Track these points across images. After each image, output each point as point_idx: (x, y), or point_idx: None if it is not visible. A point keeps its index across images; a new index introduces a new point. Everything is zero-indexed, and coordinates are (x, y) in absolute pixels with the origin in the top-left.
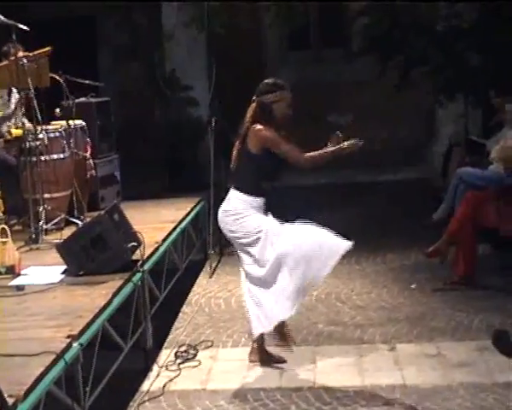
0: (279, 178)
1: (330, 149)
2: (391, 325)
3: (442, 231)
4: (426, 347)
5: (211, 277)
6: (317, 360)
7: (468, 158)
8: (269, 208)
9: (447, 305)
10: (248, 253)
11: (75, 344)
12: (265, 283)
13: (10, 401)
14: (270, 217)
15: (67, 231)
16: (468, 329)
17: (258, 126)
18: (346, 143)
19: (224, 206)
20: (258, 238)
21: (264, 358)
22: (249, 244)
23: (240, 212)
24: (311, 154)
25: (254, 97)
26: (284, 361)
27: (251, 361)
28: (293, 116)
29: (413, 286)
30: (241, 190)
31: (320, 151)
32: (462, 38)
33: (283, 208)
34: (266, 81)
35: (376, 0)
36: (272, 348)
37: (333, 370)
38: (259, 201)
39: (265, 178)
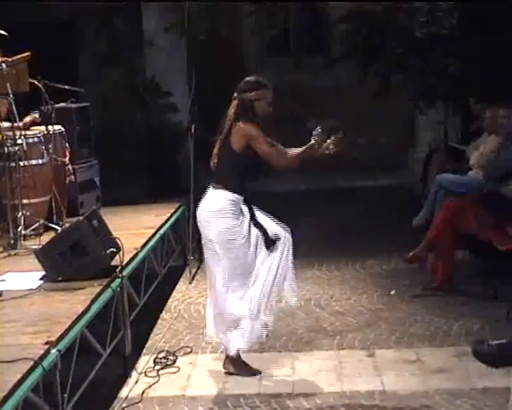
0: (259, 177)
1: (309, 144)
2: (370, 331)
3: (421, 237)
4: (405, 352)
5: (190, 283)
6: (297, 366)
7: (448, 164)
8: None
9: (426, 311)
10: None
11: (53, 351)
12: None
13: None
14: (247, 220)
15: (46, 237)
16: (447, 335)
17: (242, 124)
18: (328, 141)
19: (203, 203)
20: (230, 241)
21: (241, 367)
22: (219, 243)
23: (221, 210)
24: (288, 155)
25: (235, 95)
26: (260, 372)
27: (226, 370)
28: (273, 121)
29: (392, 292)
30: (223, 188)
31: (298, 151)
32: (441, 44)
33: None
34: (248, 79)
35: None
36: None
37: (312, 376)
38: (240, 198)
39: (247, 176)
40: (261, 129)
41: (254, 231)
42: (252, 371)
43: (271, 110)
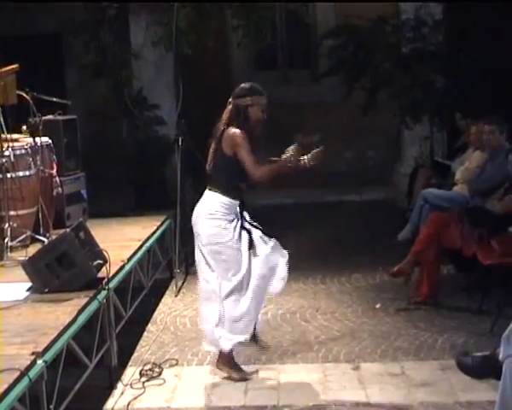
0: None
1: (282, 160)
2: (355, 344)
3: (407, 252)
4: (390, 366)
5: (176, 295)
6: (282, 378)
7: (434, 179)
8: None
9: (411, 324)
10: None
11: (39, 361)
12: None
13: None
14: (239, 225)
15: (33, 249)
16: (432, 348)
17: (233, 130)
18: (306, 156)
19: (198, 206)
20: (219, 244)
21: (233, 367)
22: (209, 245)
23: (213, 213)
24: (265, 169)
25: (230, 100)
26: (248, 378)
27: (218, 368)
28: (261, 134)
29: (377, 306)
30: (217, 191)
31: (275, 166)
32: (427, 60)
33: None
34: (243, 85)
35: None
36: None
37: (297, 388)
38: (235, 202)
39: (240, 180)
40: (253, 136)
41: (245, 235)
42: (242, 375)
43: (265, 117)
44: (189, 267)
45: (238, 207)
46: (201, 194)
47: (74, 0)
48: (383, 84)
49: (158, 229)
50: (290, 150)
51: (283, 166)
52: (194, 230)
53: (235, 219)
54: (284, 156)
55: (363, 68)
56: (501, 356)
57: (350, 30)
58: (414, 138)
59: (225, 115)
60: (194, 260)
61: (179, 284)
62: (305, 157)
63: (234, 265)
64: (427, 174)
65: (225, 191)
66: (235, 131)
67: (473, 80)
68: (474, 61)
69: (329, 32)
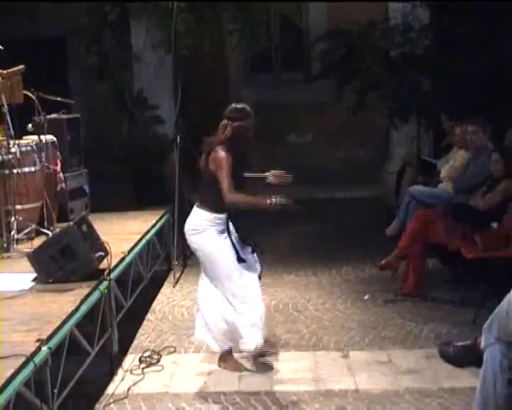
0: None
1: (257, 200)
2: (344, 333)
3: (394, 246)
4: (377, 354)
5: (174, 286)
6: (275, 365)
7: (421, 177)
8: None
9: (398, 315)
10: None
11: (44, 348)
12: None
13: None
14: (228, 242)
15: (38, 241)
16: (418, 337)
17: (220, 151)
18: (274, 199)
19: (187, 222)
20: (213, 253)
21: (233, 363)
22: (205, 256)
23: (198, 228)
24: (239, 196)
25: (226, 121)
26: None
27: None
28: (255, 136)
29: (366, 297)
30: (204, 208)
31: (249, 198)
32: (414, 64)
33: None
34: (237, 106)
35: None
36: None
37: (289, 375)
38: (222, 217)
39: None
40: (243, 154)
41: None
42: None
43: (252, 137)
44: (187, 259)
45: (226, 221)
46: (196, 189)
47: (78, 0)
48: (372, 87)
49: (157, 223)
50: (278, 200)
51: (260, 204)
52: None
53: (228, 232)
54: (268, 202)
55: (353, 71)
56: (482, 345)
57: (341, 34)
58: (401, 138)
59: (221, 132)
60: (191, 253)
61: (177, 275)
62: (274, 199)
63: (232, 270)
64: (414, 172)
65: (212, 208)
66: (221, 152)
67: (458, 84)
68: (460, 65)
69: (321, 36)
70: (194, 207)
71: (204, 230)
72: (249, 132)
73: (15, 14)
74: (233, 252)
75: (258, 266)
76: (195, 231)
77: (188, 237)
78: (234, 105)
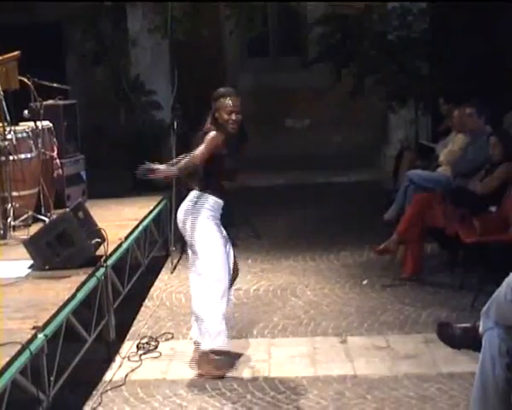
0: (236, 179)
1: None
2: (342, 319)
3: (392, 230)
4: (375, 339)
5: (172, 272)
6: (273, 351)
7: (419, 161)
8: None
9: (396, 300)
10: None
11: (40, 335)
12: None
13: None
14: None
15: (35, 228)
16: (416, 322)
17: (211, 133)
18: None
19: (182, 204)
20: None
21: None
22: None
23: (196, 211)
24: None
25: (212, 104)
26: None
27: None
28: (252, 120)
29: (364, 282)
30: (202, 190)
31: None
32: (412, 47)
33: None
34: (221, 89)
35: None
36: None
37: (287, 361)
38: (219, 201)
39: (222, 179)
40: (229, 135)
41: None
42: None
43: (234, 118)
44: (184, 245)
45: (220, 209)
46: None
47: None
48: (370, 71)
49: (154, 209)
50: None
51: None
52: (181, 231)
53: (218, 219)
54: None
55: (350, 55)
56: (480, 330)
57: (337, 18)
58: (400, 122)
59: (210, 117)
60: None
61: (175, 261)
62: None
63: (220, 260)
64: (412, 156)
65: (210, 191)
66: (212, 132)
67: (455, 67)
68: (457, 49)
69: (318, 20)
70: (193, 190)
71: (200, 215)
72: (222, 112)
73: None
74: (223, 239)
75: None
76: (195, 214)
77: (184, 219)
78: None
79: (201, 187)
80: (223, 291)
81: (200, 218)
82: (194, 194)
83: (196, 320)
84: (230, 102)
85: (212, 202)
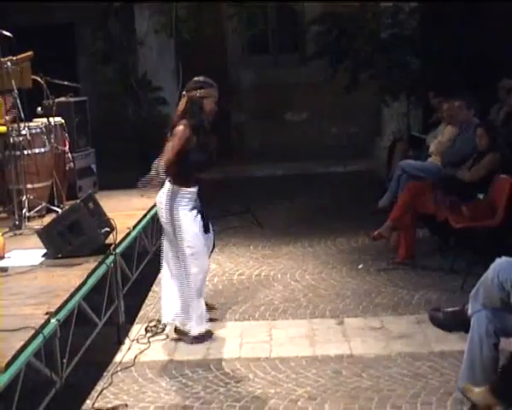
0: (209, 170)
1: None
2: (339, 301)
3: (386, 217)
4: (371, 320)
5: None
6: (273, 333)
7: (411, 152)
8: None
9: (390, 283)
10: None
11: (53, 320)
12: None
13: None
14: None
15: (48, 218)
16: (409, 304)
17: (181, 125)
18: None
19: (158, 194)
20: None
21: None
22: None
23: (167, 202)
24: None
25: (184, 92)
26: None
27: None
28: (254, 114)
29: (360, 266)
30: (173, 183)
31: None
32: (404, 44)
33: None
34: (197, 78)
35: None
36: None
37: (287, 342)
38: (192, 190)
39: (195, 170)
40: (205, 126)
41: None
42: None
43: (217, 109)
44: None
45: (196, 195)
46: None
47: None
48: (364, 66)
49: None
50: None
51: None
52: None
53: (195, 207)
54: None
55: (345, 52)
56: (469, 312)
57: (333, 17)
58: (392, 115)
59: (180, 107)
60: None
61: None
62: None
63: (196, 243)
64: (405, 147)
65: (181, 182)
66: (182, 126)
67: (445, 62)
68: (446, 45)
69: (315, 19)
70: (166, 182)
71: (172, 205)
72: (210, 102)
73: (27, 2)
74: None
75: (210, 244)
76: (167, 205)
77: (160, 209)
78: (194, 79)
79: (174, 180)
80: (203, 275)
81: (176, 209)
82: (168, 186)
83: (182, 307)
84: (216, 94)
85: (184, 193)
